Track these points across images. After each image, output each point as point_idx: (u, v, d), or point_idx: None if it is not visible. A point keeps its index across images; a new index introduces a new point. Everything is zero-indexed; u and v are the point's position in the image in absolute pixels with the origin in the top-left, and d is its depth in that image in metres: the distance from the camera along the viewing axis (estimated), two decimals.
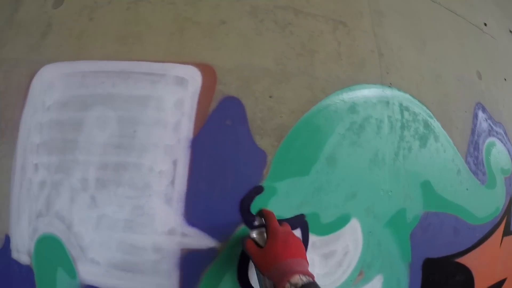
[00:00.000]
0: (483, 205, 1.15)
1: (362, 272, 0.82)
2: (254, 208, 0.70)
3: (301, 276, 0.53)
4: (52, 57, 0.77)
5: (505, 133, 1.37)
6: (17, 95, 0.78)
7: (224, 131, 0.70)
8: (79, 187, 0.68)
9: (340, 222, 0.77)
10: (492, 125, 1.29)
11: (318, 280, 0.60)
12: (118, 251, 0.66)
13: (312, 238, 0.75)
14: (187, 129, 0.68)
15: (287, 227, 0.64)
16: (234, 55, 0.76)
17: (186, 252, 0.64)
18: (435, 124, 0.99)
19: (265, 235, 0.64)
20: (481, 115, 1.23)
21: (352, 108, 0.82)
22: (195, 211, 0.65)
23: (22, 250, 0.73)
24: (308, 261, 0.62)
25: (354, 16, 0.95)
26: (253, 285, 0.70)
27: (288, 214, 0.72)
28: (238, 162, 0.70)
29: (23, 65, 0.80)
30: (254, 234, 0.65)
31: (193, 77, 0.71)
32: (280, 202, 0.71)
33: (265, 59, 0.78)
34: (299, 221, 0.73)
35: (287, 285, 0.52)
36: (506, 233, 1.28)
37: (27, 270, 0.72)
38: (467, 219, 1.07)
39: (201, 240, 0.65)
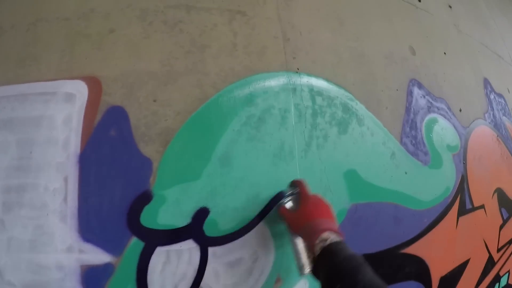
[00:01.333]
0: (428, 187, 1.04)
1: (280, 278, 0.70)
2: (144, 219, 0.63)
3: (330, 233, 0.57)
4: None
5: (449, 108, 1.28)
6: None
7: (109, 142, 0.65)
8: None
9: (243, 226, 0.67)
10: (432, 101, 1.20)
11: None
12: (28, 271, 0.63)
13: (212, 247, 0.65)
14: (74, 145, 0.65)
15: (318, 195, 0.68)
16: (120, 63, 0.71)
17: (85, 268, 0.61)
18: (358, 106, 0.90)
19: (294, 203, 0.67)
20: (416, 91, 1.14)
21: (249, 100, 0.72)
22: (89, 226, 0.62)
23: None
24: (212, 272, 0.61)
25: (256, 4, 0.87)
26: None
27: (181, 222, 0.64)
28: (124, 172, 0.64)
29: None
30: (286, 200, 0.68)
31: (80, 91, 0.69)
32: (170, 210, 0.63)
33: (151, 63, 0.72)
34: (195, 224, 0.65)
35: (317, 241, 0.56)
36: (461, 212, 1.17)
37: None
38: (409, 205, 0.96)
39: (97, 256, 0.62)
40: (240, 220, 0.67)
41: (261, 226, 0.69)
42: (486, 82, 1.62)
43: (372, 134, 0.90)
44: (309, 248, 0.59)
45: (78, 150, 0.64)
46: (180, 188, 0.65)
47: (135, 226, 0.62)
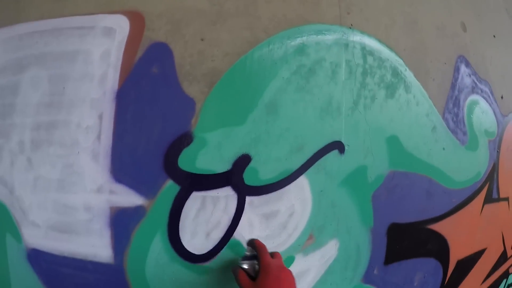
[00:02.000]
0: (462, 168, 1.00)
1: (312, 236, 0.69)
2: (182, 162, 0.60)
3: None
4: None
5: (491, 92, 1.22)
6: None
7: (150, 80, 0.61)
8: (17, 150, 0.64)
9: (284, 178, 0.65)
10: (477, 82, 1.14)
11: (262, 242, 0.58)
12: (53, 212, 0.63)
13: (250, 197, 0.64)
14: (112, 81, 0.62)
15: (279, 260, 0.61)
16: None
17: (115, 210, 0.59)
18: (407, 73, 0.84)
19: (256, 266, 0.60)
20: (463, 69, 1.07)
21: (301, 49, 0.67)
22: (122, 166, 0.59)
23: None
24: (247, 222, 0.59)
25: None
26: (184, 244, 0.62)
27: (220, 168, 0.61)
28: (164, 112, 0.60)
29: None
30: (245, 265, 0.61)
31: (121, 25, 0.64)
32: (210, 154, 0.61)
33: (199, 0, 0.66)
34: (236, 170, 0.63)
35: None
36: (487, 200, 1.14)
37: None
38: (442, 182, 0.93)
39: (128, 198, 0.60)
40: (281, 171, 0.65)
41: (301, 180, 0.66)
42: None
43: (418, 103, 0.85)
44: None
45: (116, 86, 0.61)
46: (222, 132, 0.62)
47: (172, 168, 0.60)
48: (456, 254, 1.03)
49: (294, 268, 0.69)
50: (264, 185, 0.64)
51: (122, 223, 0.59)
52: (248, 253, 0.63)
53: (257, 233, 0.65)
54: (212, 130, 0.61)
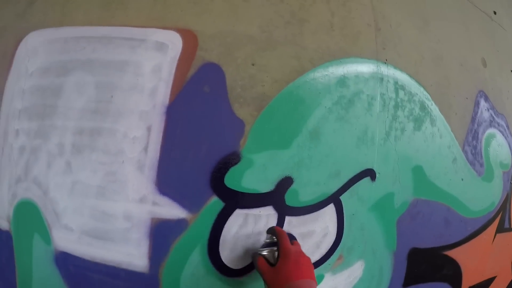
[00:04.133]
0: (478, 198, 1.04)
1: (342, 256, 0.73)
2: (228, 180, 0.62)
3: None
4: (37, 24, 0.74)
5: (507, 126, 1.26)
6: (2, 63, 0.75)
7: (201, 98, 0.64)
8: (56, 152, 0.65)
9: (321, 201, 0.69)
10: (494, 116, 1.18)
11: None
12: (90, 218, 0.63)
13: (289, 217, 0.67)
14: (163, 95, 0.63)
15: (298, 246, 0.62)
16: (218, 20, 0.69)
17: (156, 221, 0.60)
18: (433, 107, 0.89)
19: (275, 253, 0.61)
20: (483, 103, 1.13)
21: (342, 81, 0.72)
22: (167, 179, 0.60)
23: (1, 216, 0.71)
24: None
25: None
26: (222, 258, 0.64)
27: (264, 188, 0.64)
28: (213, 130, 0.63)
29: (10, 33, 0.77)
30: (265, 252, 0.61)
31: (174, 42, 0.66)
32: (256, 174, 0.63)
33: (250, 26, 0.70)
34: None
35: None
36: (499, 230, 1.18)
37: (6, 236, 0.70)
38: (460, 211, 0.97)
39: (171, 210, 0.60)
40: (319, 195, 0.69)
41: (336, 204, 0.71)
42: None
43: (441, 136, 0.90)
44: None
45: (167, 101, 0.62)
46: (269, 154, 0.64)
47: (218, 185, 0.61)
48: (468, 280, 1.06)
49: (322, 286, 0.72)
50: (303, 207, 0.68)
51: (162, 234, 0.60)
52: (267, 240, 0.64)
53: None
54: (259, 152, 0.64)
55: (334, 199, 0.70)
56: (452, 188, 0.93)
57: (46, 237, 0.65)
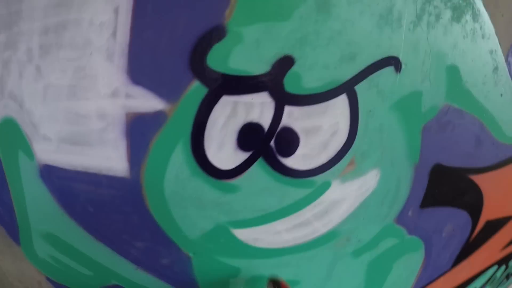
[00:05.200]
0: None
1: (354, 161, 0.60)
2: (212, 60, 0.49)
3: None
4: None
5: None
6: None
7: None
8: (25, 59, 0.56)
9: (331, 89, 0.54)
10: None
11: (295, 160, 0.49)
12: (65, 122, 0.55)
13: (290, 106, 0.53)
14: None
15: None
16: None
17: (132, 116, 0.50)
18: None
19: None
20: None
21: None
22: (140, 66, 0.50)
23: None
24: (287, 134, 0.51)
25: None
26: (209, 157, 0.52)
27: (257, 69, 0.50)
28: (191, 2, 0.49)
29: None
30: None
31: None
32: (246, 52, 0.50)
33: None
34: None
35: None
36: None
37: None
38: (494, 132, 0.81)
39: (147, 102, 0.50)
40: (329, 81, 0.54)
41: (350, 95, 0.55)
42: None
43: (483, 36, 0.71)
44: None
45: None
46: (263, 27, 0.50)
47: (199, 67, 0.49)
48: (488, 213, 0.94)
49: (329, 196, 0.61)
50: (307, 95, 0.54)
51: (139, 131, 0.51)
52: None
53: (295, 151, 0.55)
54: (250, 24, 0.49)
55: (348, 88, 0.56)
56: (489, 102, 0.76)
57: (29, 152, 0.59)
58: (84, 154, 0.55)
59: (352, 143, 0.59)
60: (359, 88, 0.56)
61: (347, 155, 0.59)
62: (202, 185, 0.54)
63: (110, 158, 0.54)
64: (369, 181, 0.63)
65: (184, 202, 0.56)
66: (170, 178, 0.53)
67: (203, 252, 0.61)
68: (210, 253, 0.61)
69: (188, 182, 0.54)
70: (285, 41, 0.51)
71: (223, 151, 0.53)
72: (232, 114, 0.52)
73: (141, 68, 0.49)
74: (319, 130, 0.56)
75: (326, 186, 0.60)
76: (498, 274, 1.31)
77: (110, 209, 0.57)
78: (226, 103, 0.51)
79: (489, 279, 1.28)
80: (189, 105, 0.50)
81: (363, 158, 0.61)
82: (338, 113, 0.56)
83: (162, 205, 0.56)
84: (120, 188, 0.54)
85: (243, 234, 0.61)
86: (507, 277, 1.44)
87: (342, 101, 0.56)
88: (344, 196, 0.63)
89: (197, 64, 0.49)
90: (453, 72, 0.67)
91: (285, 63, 0.52)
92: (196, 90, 0.49)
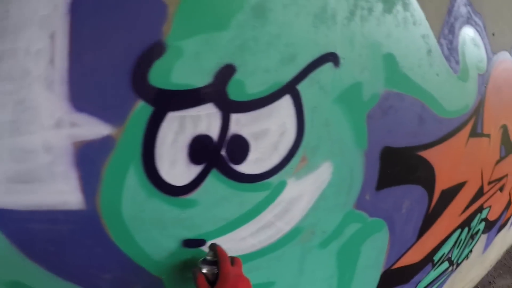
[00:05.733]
0: (453, 97, 0.96)
1: (305, 157, 0.63)
2: (154, 77, 0.48)
3: None
4: None
5: (484, 27, 1.13)
6: None
7: None
8: None
9: (274, 92, 0.56)
10: (472, 13, 1.04)
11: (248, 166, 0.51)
12: (11, 161, 0.50)
13: (236, 114, 0.54)
14: None
15: (239, 268, 0.58)
16: None
17: (79, 145, 0.48)
18: None
19: (215, 271, 0.56)
20: None
21: None
22: (82, 92, 0.47)
23: None
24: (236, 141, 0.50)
25: None
26: (163, 176, 0.52)
27: (200, 81, 0.50)
28: (129, 20, 0.47)
29: None
30: (205, 269, 0.56)
31: None
32: (187, 66, 0.49)
33: None
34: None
35: None
36: (472, 134, 1.12)
37: None
38: (434, 109, 0.88)
39: (93, 128, 0.48)
40: (271, 84, 0.55)
41: (293, 95, 0.57)
42: None
43: (415, 23, 0.76)
44: None
45: None
46: (201, 39, 0.49)
47: (142, 87, 0.47)
48: (441, 183, 1.02)
49: (286, 194, 0.63)
50: (251, 100, 0.54)
51: (88, 160, 0.49)
52: (208, 258, 0.58)
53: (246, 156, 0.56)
54: (189, 37, 0.48)
55: (290, 89, 0.57)
56: (426, 82, 0.83)
57: None
58: (36, 192, 0.51)
59: (301, 140, 0.61)
60: (302, 87, 0.58)
61: (298, 152, 0.61)
62: (160, 205, 0.53)
63: (63, 192, 0.51)
64: (323, 174, 0.66)
65: (145, 225, 0.55)
66: (127, 202, 0.51)
67: (174, 272, 0.60)
68: (180, 272, 0.60)
69: (145, 204, 0.52)
70: (224, 50, 0.51)
71: (176, 167, 0.52)
72: (180, 129, 0.51)
73: (83, 94, 0.46)
74: (267, 133, 0.57)
75: (282, 185, 0.62)
76: (463, 236, 1.44)
77: (71, 245, 0.53)
78: (172, 119, 0.50)
79: (455, 243, 1.41)
80: (136, 126, 0.48)
81: (314, 153, 0.63)
82: (284, 113, 0.57)
83: (123, 231, 0.54)
84: (78, 222, 0.51)
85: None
86: (472, 237, 1.59)
87: (286, 101, 0.57)
88: (301, 192, 0.65)
89: (139, 84, 0.47)
90: (389, 60, 0.71)
91: (226, 72, 0.52)
92: (141, 110, 0.48)
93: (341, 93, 0.63)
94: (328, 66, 0.60)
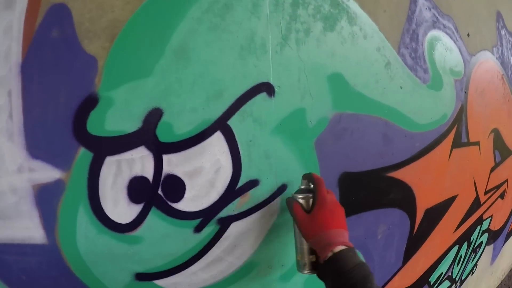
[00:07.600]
0: (424, 109, 0.91)
1: (247, 193, 0.61)
2: (91, 126, 0.53)
3: (342, 247, 0.55)
4: None
5: (456, 29, 1.10)
6: None
7: (50, 45, 0.54)
8: None
9: (202, 130, 0.55)
10: (438, 16, 1.01)
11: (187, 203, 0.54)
12: None
13: (167, 155, 0.55)
14: (16, 54, 0.54)
15: (333, 195, 0.61)
16: None
17: (37, 188, 0.55)
18: (350, 3, 0.71)
19: (310, 200, 0.60)
20: (422, 1, 0.96)
21: None
22: (35, 141, 0.54)
23: None
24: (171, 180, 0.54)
25: None
26: (108, 214, 0.56)
27: (130, 127, 0.53)
28: (67, 76, 0.53)
29: None
30: (300, 198, 0.60)
31: None
32: (118, 113, 0.53)
33: None
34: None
35: (330, 253, 0.54)
36: (455, 144, 1.05)
37: None
38: (402, 124, 0.84)
39: (46, 172, 0.55)
40: (199, 123, 0.55)
41: (224, 131, 0.56)
42: (499, 16, 1.41)
43: (365, 36, 0.74)
44: (317, 252, 0.57)
45: (20, 59, 0.53)
46: (128, 87, 0.53)
47: (82, 135, 0.53)
48: (424, 202, 0.96)
49: (232, 230, 0.61)
50: (180, 140, 0.55)
51: (45, 200, 0.55)
52: (303, 187, 0.62)
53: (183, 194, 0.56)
54: (117, 87, 0.53)
55: (220, 125, 0.56)
56: (388, 98, 0.79)
57: None
58: (7, 228, 0.57)
59: (240, 176, 0.59)
60: (233, 122, 0.57)
61: (237, 188, 0.60)
62: (110, 240, 0.57)
63: (29, 228, 0.57)
64: (272, 207, 0.63)
65: (99, 259, 0.58)
66: (81, 239, 0.56)
67: None
68: None
69: (97, 240, 0.56)
70: (151, 95, 0.53)
71: (118, 206, 0.56)
72: (118, 172, 0.55)
73: (37, 144, 0.53)
74: (201, 170, 0.56)
75: (226, 221, 0.60)
76: (462, 252, 1.35)
77: (39, 275, 0.58)
78: (110, 163, 0.54)
79: (454, 260, 1.32)
80: (80, 170, 0.53)
81: (256, 187, 0.61)
82: (216, 150, 0.56)
83: (81, 265, 0.58)
84: (43, 255, 0.56)
85: (161, 281, 0.62)
86: (474, 251, 1.49)
87: (217, 138, 0.56)
88: (249, 227, 0.62)
89: (79, 133, 0.53)
90: (336, 80, 0.69)
91: (154, 115, 0.54)
92: (83, 156, 0.53)
93: (280, 123, 0.61)
94: (261, 96, 0.59)
